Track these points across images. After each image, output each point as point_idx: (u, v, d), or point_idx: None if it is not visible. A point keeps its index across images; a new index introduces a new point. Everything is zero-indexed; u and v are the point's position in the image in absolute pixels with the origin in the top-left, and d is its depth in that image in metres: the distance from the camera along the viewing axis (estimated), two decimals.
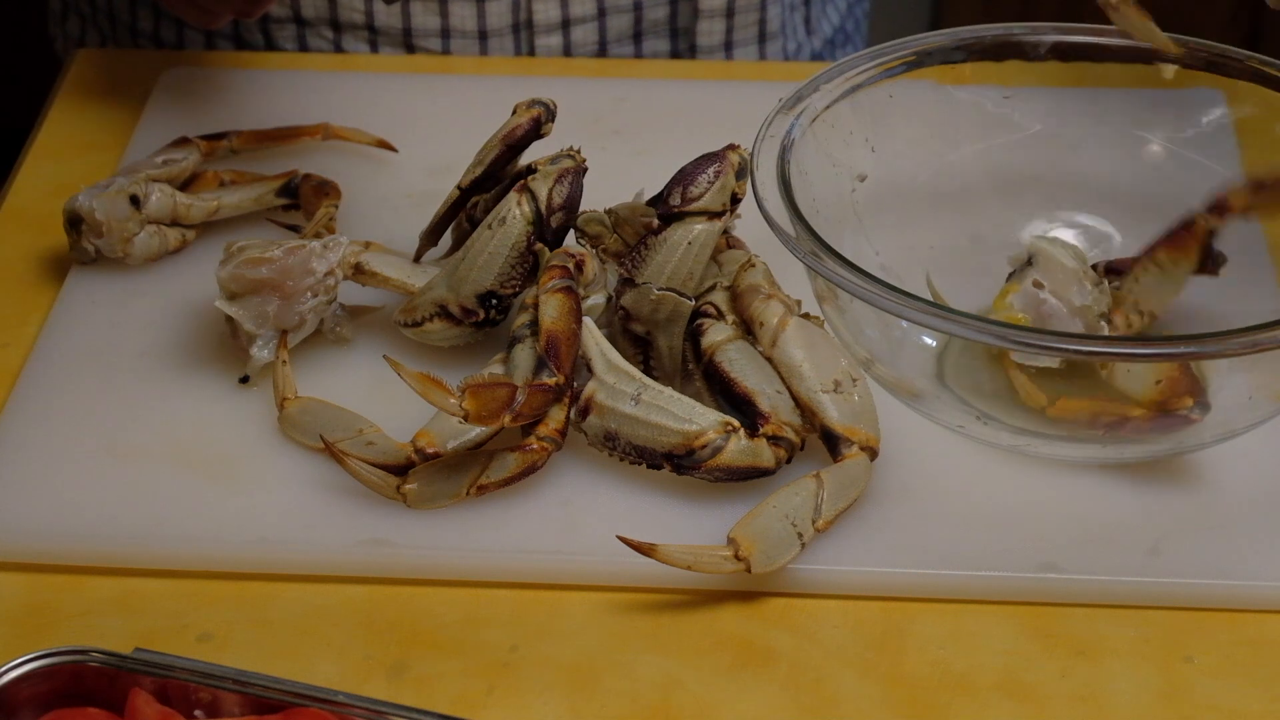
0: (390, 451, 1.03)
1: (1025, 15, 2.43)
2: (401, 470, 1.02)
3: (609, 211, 1.10)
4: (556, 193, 1.07)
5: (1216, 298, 1.14)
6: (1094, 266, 1.11)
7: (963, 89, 1.17)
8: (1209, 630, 0.98)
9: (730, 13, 1.45)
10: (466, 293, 1.08)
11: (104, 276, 1.19)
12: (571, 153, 1.09)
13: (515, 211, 1.07)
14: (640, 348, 1.08)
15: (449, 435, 1.02)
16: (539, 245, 1.07)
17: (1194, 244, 1.07)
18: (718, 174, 1.04)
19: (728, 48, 1.47)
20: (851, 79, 1.12)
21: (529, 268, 1.07)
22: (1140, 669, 0.96)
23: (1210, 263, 1.08)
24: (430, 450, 1.02)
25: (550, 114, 1.12)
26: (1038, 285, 1.08)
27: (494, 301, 1.08)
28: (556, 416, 1.02)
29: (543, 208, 1.07)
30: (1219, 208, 1.06)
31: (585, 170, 1.08)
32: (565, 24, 1.43)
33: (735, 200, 1.05)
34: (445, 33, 1.43)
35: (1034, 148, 1.20)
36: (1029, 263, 1.09)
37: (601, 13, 1.44)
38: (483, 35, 1.43)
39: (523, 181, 1.08)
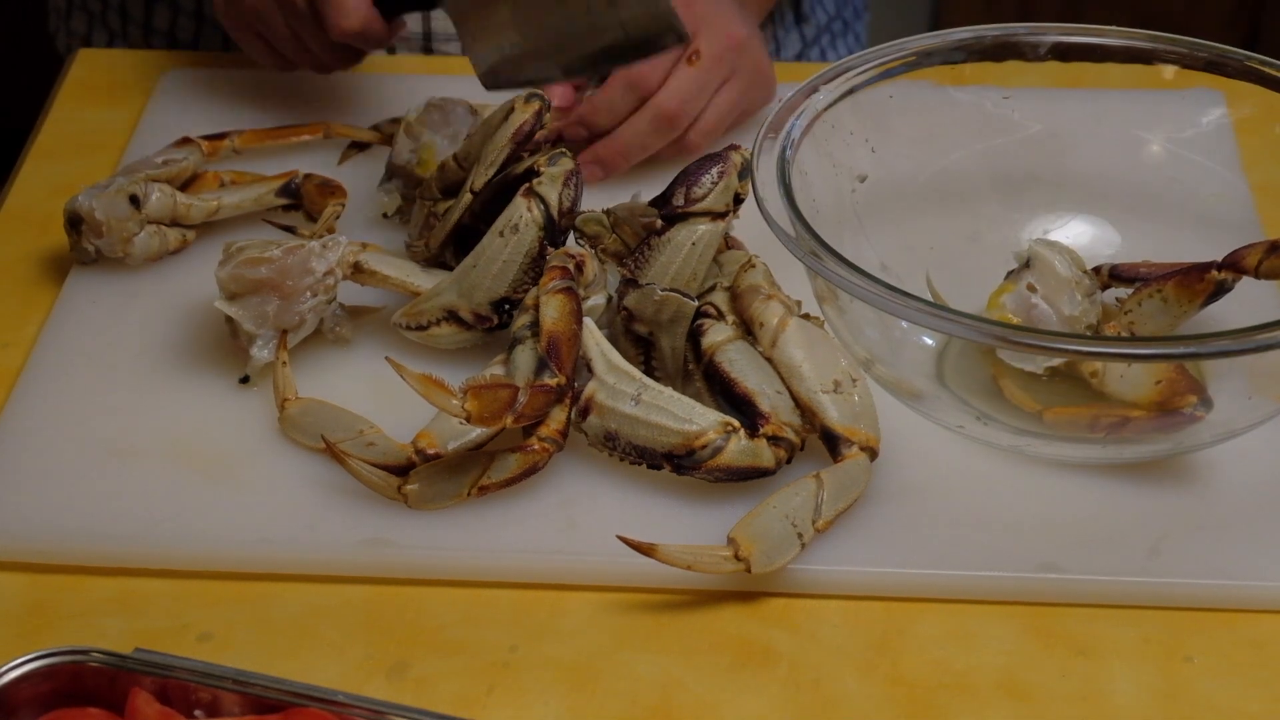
0: (391, 452, 1.03)
1: (1025, 15, 2.43)
2: (402, 471, 1.02)
3: (608, 212, 1.10)
4: (565, 196, 1.07)
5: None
6: (1097, 269, 1.11)
7: (963, 89, 1.17)
8: (1209, 630, 0.98)
9: None
10: (480, 300, 1.08)
11: (104, 276, 1.19)
12: (562, 149, 1.09)
13: (526, 217, 1.07)
14: (642, 348, 1.08)
15: (449, 436, 1.02)
16: (551, 249, 1.07)
17: (1202, 292, 1.07)
18: (721, 174, 1.04)
19: None
20: (851, 79, 1.12)
21: (540, 271, 1.07)
22: (1140, 669, 0.96)
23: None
24: (431, 451, 1.02)
25: (548, 105, 1.11)
26: (1031, 289, 1.08)
27: (507, 306, 1.08)
28: (558, 417, 1.02)
29: (554, 212, 1.07)
30: (1235, 265, 1.06)
31: (579, 170, 1.08)
32: None
33: (738, 200, 1.05)
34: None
35: (1034, 148, 1.20)
36: (1027, 264, 1.09)
37: None
38: None
39: (528, 186, 1.08)
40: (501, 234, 1.07)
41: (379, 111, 1.32)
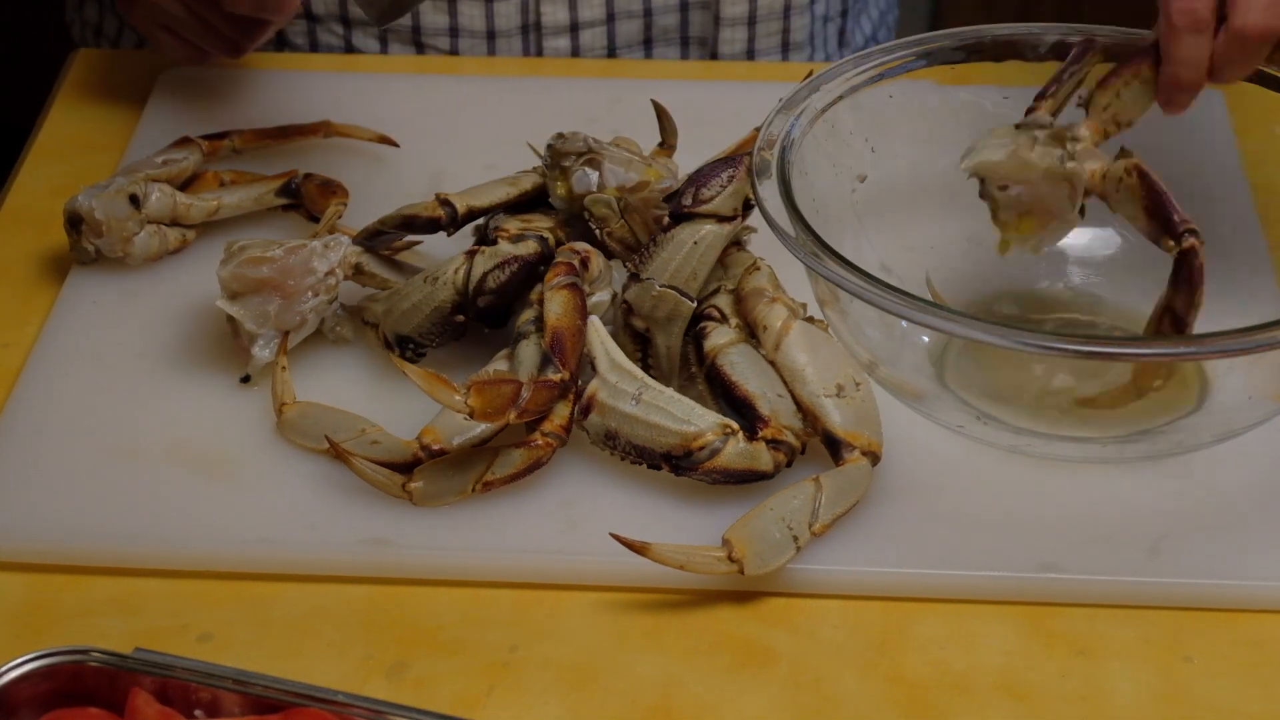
0: (395, 449, 1.03)
1: (1025, 15, 2.42)
2: (406, 468, 1.02)
3: (619, 197, 1.10)
4: (492, 278, 1.07)
5: (1217, 298, 1.13)
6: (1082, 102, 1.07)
7: (963, 89, 1.17)
8: (1209, 630, 0.98)
9: (752, 20, 1.44)
10: (389, 327, 1.09)
11: (104, 276, 1.19)
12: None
13: (449, 276, 1.07)
14: (640, 344, 1.08)
15: (454, 432, 1.02)
16: (460, 318, 1.07)
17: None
18: (731, 179, 1.04)
19: (749, 57, 1.46)
20: (851, 79, 1.12)
21: (450, 331, 1.08)
22: (1140, 669, 0.96)
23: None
24: (436, 447, 1.02)
25: (453, 218, 1.11)
26: (1003, 188, 1.05)
27: (410, 346, 1.08)
28: (561, 413, 1.02)
29: (471, 286, 1.07)
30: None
31: (534, 263, 1.08)
32: (574, 27, 1.43)
33: (747, 206, 1.05)
34: (454, 31, 1.43)
35: None
36: (982, 184, 1.06)
37: (610, 17, 1.43)
38: (491, 35, 1.43)
39: (475, 248, 1.08)
40: (426, 279, 1.07)
41: (377, 109, 1.32)
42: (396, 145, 1.29)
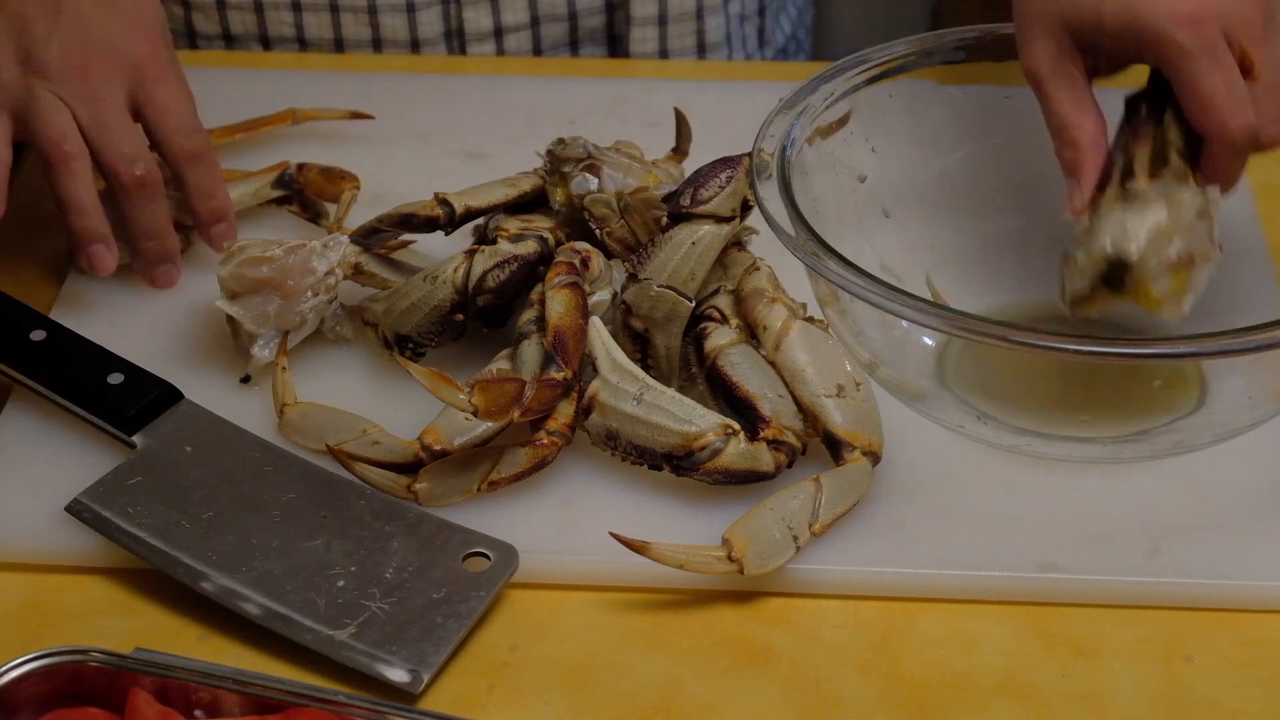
0: (397, 450, 1.03)
1: None
2: (407, 468, 1.02)
3: (619, 197, 1.10)
4: (491, 277, 1.07)
5: (1217, 298, 1.13)
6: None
7: (963, 89, 1.17)
8: (1209, 630, 0.98)
9: (663, 20, 1.43)
10: (388, 326, 1.09)
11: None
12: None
13: (449, 275, 1.07)
14: (640, 345, 1.08)
15: (456, 432, 1.02)
16: (459, 316, 1.07)
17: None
18: (729, 179, 1.04)
19: (662, 56, 1.45)
20: (851, 79, 1.12)
21: (449, 330, 1.08)
22: (1140, 669, 0.96)
23: None
24: (438, 448, 1.02)
25: (451, 218, 1.11)
26: (1158, 256, 1.02)
27: (410, 345, 1.08)
28: (565, 411, 1.02)
29: (470, 285, 1.07)
30: None
31: (534, 263, 1.08)
32: (498, 32, 1.41)
33: (746, 207, 1.05)
34: (376, 43, 1.42)
35: (1034, 148, 1.19)
36: (1120, 264, 1.03)
37: (535, 21, 1.42)
38: (415, 45, 1.41)
39: (475, 247, 1.08)
40: (425, 278, 1.07)
41: (381, 107, 1.32)
42: (371, 117, 1.29)
